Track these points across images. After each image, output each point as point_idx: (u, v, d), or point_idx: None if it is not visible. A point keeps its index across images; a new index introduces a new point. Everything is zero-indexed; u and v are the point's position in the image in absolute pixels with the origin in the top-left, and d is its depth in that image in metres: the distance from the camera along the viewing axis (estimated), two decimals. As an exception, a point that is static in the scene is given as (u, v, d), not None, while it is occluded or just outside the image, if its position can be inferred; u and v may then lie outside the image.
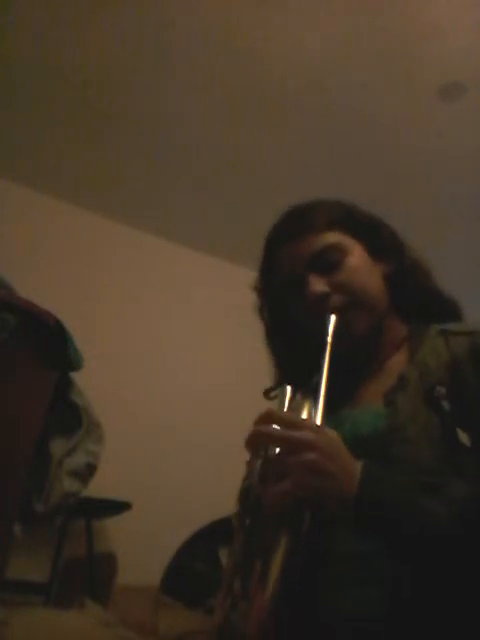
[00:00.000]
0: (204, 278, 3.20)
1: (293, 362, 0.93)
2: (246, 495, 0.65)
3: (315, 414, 0.68)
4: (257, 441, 0.63)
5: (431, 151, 2.58)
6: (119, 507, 2.27)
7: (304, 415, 0.70)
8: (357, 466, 0.62)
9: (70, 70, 2.30)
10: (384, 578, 0.65)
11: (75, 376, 1.37)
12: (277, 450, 0.62)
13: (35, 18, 2.10)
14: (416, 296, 0.89)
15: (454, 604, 0.62)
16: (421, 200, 2.87)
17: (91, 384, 1.44)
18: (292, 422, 0.63)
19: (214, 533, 2.19)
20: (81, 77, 2.33)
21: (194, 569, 2.06)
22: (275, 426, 0.62)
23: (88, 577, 2.18)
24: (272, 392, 0.91)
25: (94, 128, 2.59)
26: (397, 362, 0.84)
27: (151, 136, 2.59)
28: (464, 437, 0.69)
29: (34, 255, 2.74)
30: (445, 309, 0.89)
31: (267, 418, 0.63)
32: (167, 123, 2.52)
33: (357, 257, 0.86)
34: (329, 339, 0.77)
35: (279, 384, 0.92)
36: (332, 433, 0.63)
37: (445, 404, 0.71)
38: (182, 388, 2.94)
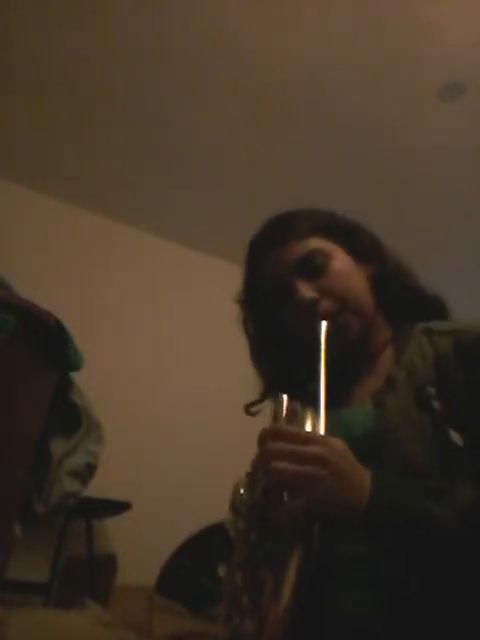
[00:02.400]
0: (204, 278, 3.20)
1: (282, 371, 0.92)
2: (251, 510, 0.65)
3: (317, 424, 0.67)
4: (267, 461, 0.61)
5: (431, 151, 2.59)
6: (119, 507, 2.27)
7: (308, 426, 0.69)
8: (366, 475, 0.62)
9: (70, 70, 2.30)
10: (384, 579, 0.66)
11: (75, 376, 1.37)
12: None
13: (36, 19, 2.10)
14: (400, 296, 0.89)
15: (454, 605, 0.62)
16: (421, 200, 2.87)
17: (91, 384, 1.44)
18: (300, 436, 0.63)
19: (212, 539, 2.19)
20: (81, 77, 2.33)
21: (193, 577, 2.06)
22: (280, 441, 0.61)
23: (88, 577, 2.18)
24: (255, 406, 0.90)
25: (94, 128, 2.59)
26: (385, 362, 0.84)
27: (151, 136, 2.60)
28: (456, 437, 0.69)
29: (34, 255, 2.74)
30: (430, 307, 0.89)
31: (273, 434, 0.63)
32: (167, 123, 2.52)
33: (341, 261, 0.86)
34: (323, 346, 0.77)
35: (264, 397, 0.92)
36: (339, 443, 0.63)
37: (435, 404, 0.71)
38: (182, 388, 2.94)
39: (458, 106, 2.35)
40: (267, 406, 0.85)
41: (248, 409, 0.91)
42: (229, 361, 2.95)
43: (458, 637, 0.62)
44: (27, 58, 2.26)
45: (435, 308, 0.89)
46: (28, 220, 2.83)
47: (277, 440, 0.61)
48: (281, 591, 0.54)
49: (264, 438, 0.63)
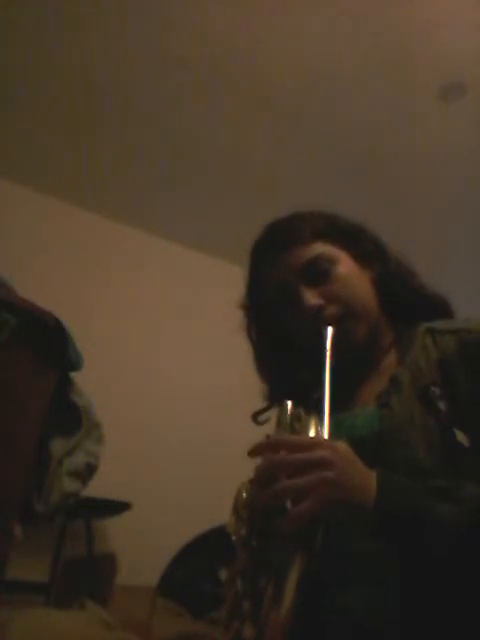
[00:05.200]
0: (204, 278, 3.21)
1: (287, 377, 0.92)
2: (252, 516, 0.64)
3: (321, 429, 0.67)
4: (272, 473, 0.60)
5: (431, 151, 2.59)
6: (119, 507, 2.27)
7: (311, 431, 0.68)
8: (371, 475, 0.62)
9: (70, 70, 2.30)
10: (386, 578, 0.66)
11: (75, 376, 1.37)
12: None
13: (36, 19, 2.10)
14: (404, 297, 0.89)
15: (458, 604, 0.62)
16: (421, 200, 2.87)
17: (91, 384, 1.44)
18: (302, 444, 0.62)
19: (213, 542, 2.19)
20: (81, 77, 2.33)
21: (194, 580, 2.06)
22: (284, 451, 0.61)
23: (88, 577, 2.18)
24: (263, 414, 0.90)
25: (94, 128, 2.59)
26: (389, 363, 0.84)
27: (150, 136, 2.59)
28: (461, 437, 0.69)
29: (33, 255, 2.74)
30: (434, 307, 0.89)
31: (274, 446, 0.62)
32: (167, 123, 2.52)
33: (345, 265, 0.86)
34: (328, 352, 0.77)
35: (270, 404, 0.92)
36: (343, 445, 0.63)
37: (440, 405, 0.71)
38: (182, 388, 2.94)
39: (458, 107, 2.35)
40: (273, 412, 0.85)
41: (255, 418, 0.91)
42: (230, 361, 2.95)
43: (461, 636, 0.62)
44: (27, 58, 2.25)
45: (439, 308, 0.89)
46: (27, 220, 2.83)
47: (278, 449, 0.61)
48: (282, 598, 0.54)
49: (266, 449, 0.62)
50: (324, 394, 0.70)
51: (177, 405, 2.89)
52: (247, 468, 0.67)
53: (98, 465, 1.43)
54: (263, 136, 2.56)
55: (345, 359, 0.80)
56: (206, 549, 2.22)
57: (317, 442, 0.63)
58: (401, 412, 0.74)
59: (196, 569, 2.15)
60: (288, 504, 0.58)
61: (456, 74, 2.23)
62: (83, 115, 2.52)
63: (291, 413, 0.73)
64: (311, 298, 0.83)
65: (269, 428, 0.78)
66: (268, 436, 0.72)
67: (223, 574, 1.95)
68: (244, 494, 0.69)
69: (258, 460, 0.63)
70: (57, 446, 1.31)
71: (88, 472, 1.40)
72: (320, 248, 0.86)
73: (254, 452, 0.63)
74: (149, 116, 2.50)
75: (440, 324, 0.82)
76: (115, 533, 2.53)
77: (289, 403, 0.75)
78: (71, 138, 2.64)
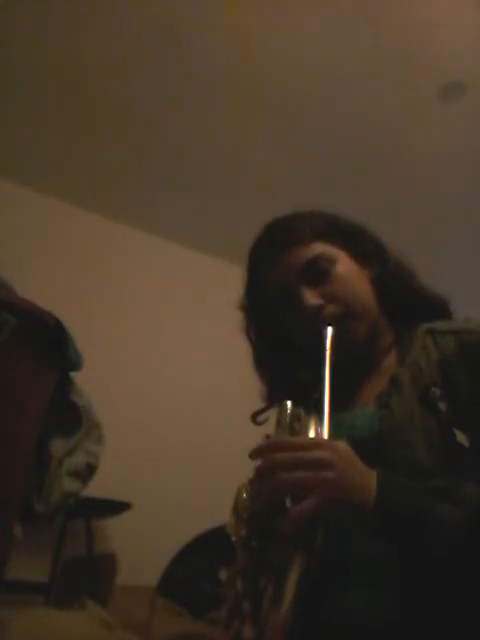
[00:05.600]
0: (204, 278, 3.21)
1: (287, 377, 0.92)
2: (252, 517, 0.64)
3: (321, 430, 0.67)
4: (271, 472, 0.60)
5: (431, 151, 2.58)
6: (119, 507, 2.27)
7: (311, 432, 0.68)
8: (371, 475, 0.62)
9: (69, 70, 2.30)
10: (384, 578, 0.66)
11: (75, 376, 1.37)
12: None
13: (36, 19, 2.10)
14: (403, 298, 0.89)
15: (459, 604, 0.62)
16: (421, 200, 2.87)
17: (91, 384, 1.44)
18: (302, 444, 0.62)
19: (213, 542, 2.19)
20: (80, 77, 2.33)
21: (194, 580, 2.06)
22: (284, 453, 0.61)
23: (88, 577, 2.18)
24: (262, 414, 0.90)
25: (93, 128, 2.59)
26: (390, 364, 0.84)
27: (150, 136, 2.59)
28: (462, 437, 0.69)
29: (33, 255, 2.74)
30: (433, 308, 0.89)
31: (274, 447, 0.62)
32: (167, 123, 2.52)
33: (345, 265, 0.87)
34: (328, 352, 0.77)
35: (269, 404, 0.92)
36: (343, 445, 0.63)
37: (441, 405, 0.71)
38: (182, 388, 2.94)
39: (458, 107, 2.35)
40: (272, 412, 0.85)
41: (254, 418, 0.91)
42: (230, 361, 2.95)
43: (462, 636, 0.62)
44: (27, 58, 2.25)
45: (439, 308, 0.89)
46: (28, 220, 2.83)
47: (278, 451, 0.61)
48: (282, 598, 0.54)
49: (266, 451, 0.62)
50: (324, 394, 0.70)
51: (177, 405, 2.88)
52: (247, 468, 0.67)
53: (98, 465, 1.43)
54: (263, 136, 2.56)
55: (345, 359, 0.80)
56: (206, 549, 2.22)
57: (317, 442, 0.63)
58: (401, 412, 0.74)
59: (196, 569, 2.15)
60: (288, 504, 0.58)
61: (456, 74, 2.23)
62: (83, 115, 2.52)
63: (291, 413, 0.73)
64: (311, 298, 0.83)
65: (269, 428, 0.78)
66: (267, 436, 0.72)
67: (223, 574, 1.95)
68: (244, 494, 0.69)
69: (259, 462, 0.63)
70: (57, 446, 1.32)
71: (88, 472, 1.40)
72: (320, 248, 0.86)
73: (255, 455, 0.63)
74: (149, 116, 2.50)
75: (440, 324, 0.82)
76: (115, 533, 2.53)
77: (289, 403, 0.74)
78: (71, 138, 2.64)
